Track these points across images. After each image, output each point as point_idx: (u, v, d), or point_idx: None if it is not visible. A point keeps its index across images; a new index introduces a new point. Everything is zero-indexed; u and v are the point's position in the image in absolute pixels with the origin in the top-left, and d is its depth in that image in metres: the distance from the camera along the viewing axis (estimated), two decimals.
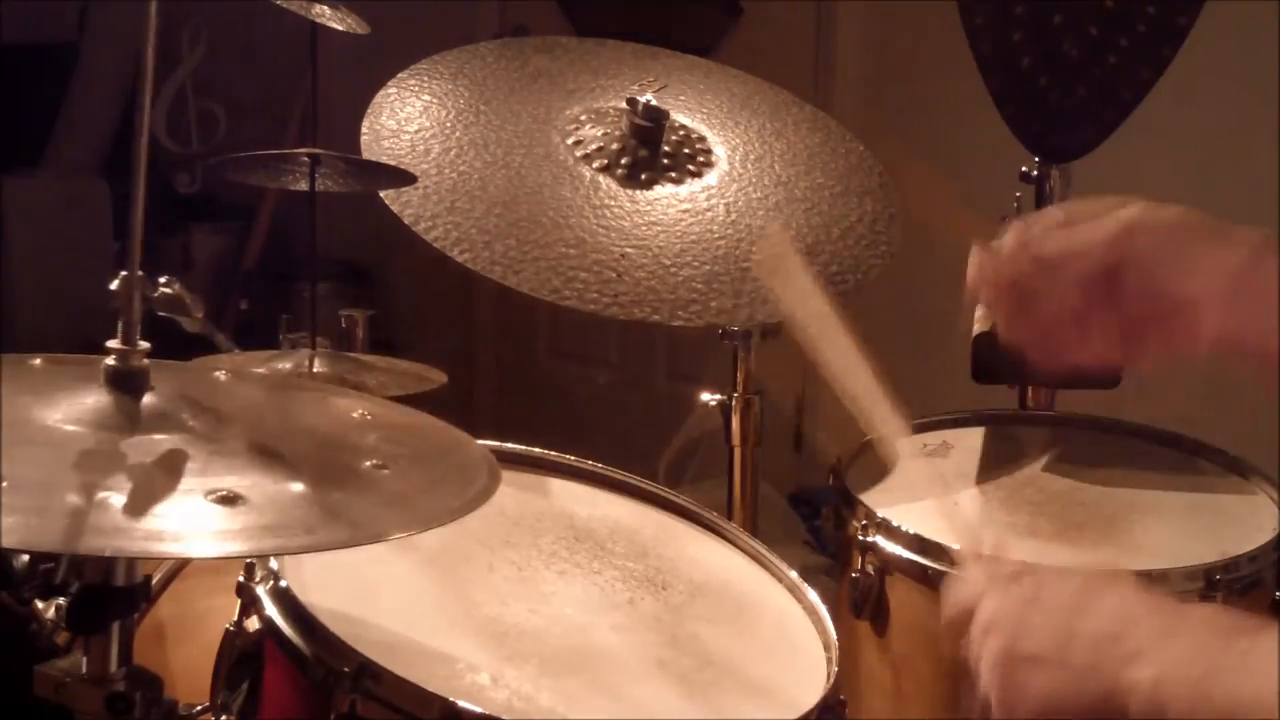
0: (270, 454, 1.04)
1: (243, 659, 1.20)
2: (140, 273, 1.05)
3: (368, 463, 1.07)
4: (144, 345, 1.06)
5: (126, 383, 1.05)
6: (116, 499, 0.93)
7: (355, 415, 1.19)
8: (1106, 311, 1.06)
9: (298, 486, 1.01)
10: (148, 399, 1.05)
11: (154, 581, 1.45)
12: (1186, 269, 1.03)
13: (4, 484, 0.90)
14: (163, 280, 1.08)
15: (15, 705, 1.12)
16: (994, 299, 1.12)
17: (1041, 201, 2.08)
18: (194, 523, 0.95)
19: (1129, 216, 1.06)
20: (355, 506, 1.01)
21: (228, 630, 1.22)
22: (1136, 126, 2.10)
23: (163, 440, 1.02)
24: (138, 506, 0.93)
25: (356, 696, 1.07)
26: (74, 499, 0.92)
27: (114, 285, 1.05)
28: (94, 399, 1.04)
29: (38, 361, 1.14)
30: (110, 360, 1.05)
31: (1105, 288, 1.05)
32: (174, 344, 1.24)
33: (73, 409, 1.03)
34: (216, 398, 1.14)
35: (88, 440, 1.00)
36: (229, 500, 0.96)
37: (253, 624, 1.19)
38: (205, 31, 4.71)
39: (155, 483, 0.96)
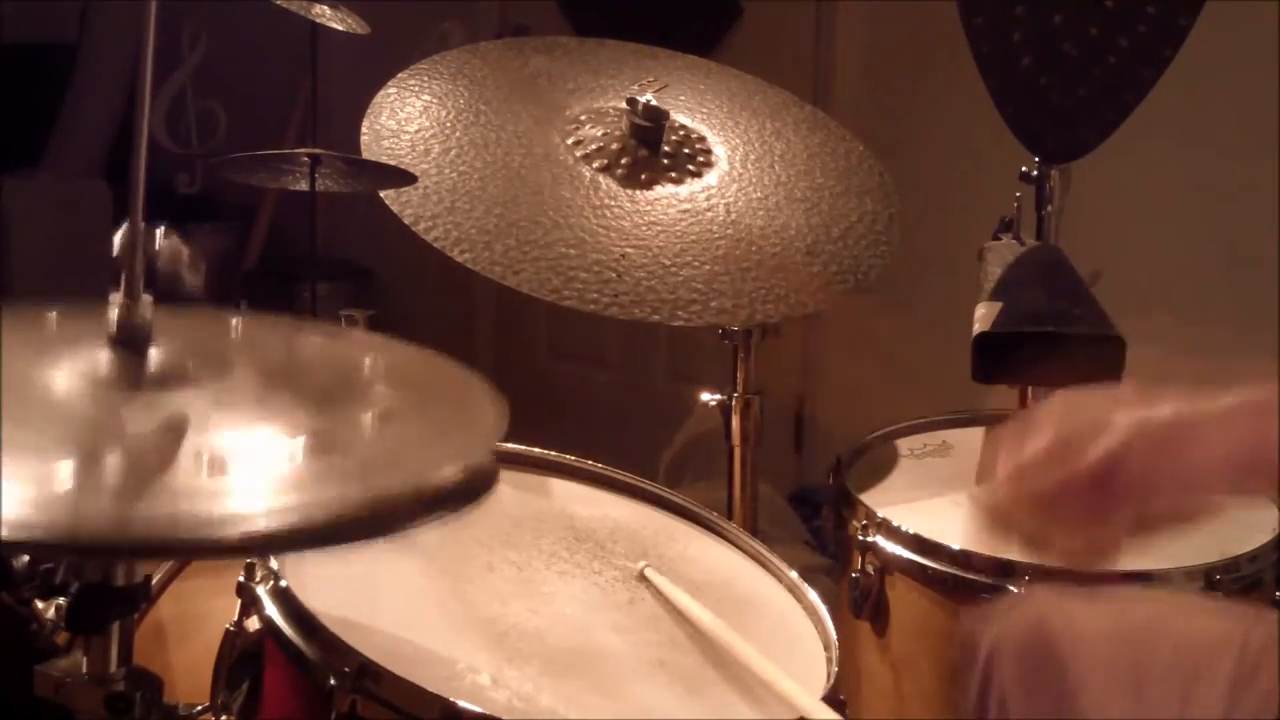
0: (275, 402, 1.01)
1: (243, 659, 1.20)
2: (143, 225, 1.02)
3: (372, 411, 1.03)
4: (147, 298, 1.02)
5: (130, 337, 1.02)
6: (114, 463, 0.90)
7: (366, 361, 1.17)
8: (1120, 505, 1.08)
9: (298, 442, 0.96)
10: (153, 353, 1.02)
11: (154, 581, 1.45)
12: (1186, 454, 1.05)
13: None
14: (161, 230, 1.06)
15: (15, 705, 1.12)
16: (1007, 534, 1.17)
17: (1041, 202, 2.08)
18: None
19: (1116, 440, 1.06)
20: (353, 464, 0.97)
21: (228, 630, 1.22)
22: (1136, 126, 2.10)
23: (167, 397, 0.97)
24: (135, 482, 0.90)
25: (357, 697, 1.07)
26: (71, 465, 0.89)
27: (117, 237, 1.02)
28: (96, 355, 0.99)
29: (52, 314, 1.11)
30: (113, 313, 1.01)
31: (1111, 486, 1.07)
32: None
33: (76, 365, 0.99)
34: (223, 345, 1.10)
35: (87, 400, 0.97)
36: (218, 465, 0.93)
37: (253, 624, 1.19)
38: (205, 31, 4.71)
39: (154, 449, 0.93)
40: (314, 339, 1.26)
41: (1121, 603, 1.30)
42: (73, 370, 0.99)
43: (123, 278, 1.00)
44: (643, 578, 1.34)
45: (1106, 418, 1.07)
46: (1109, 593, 1.36)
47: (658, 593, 1.32)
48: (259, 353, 1.12)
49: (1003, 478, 1.11)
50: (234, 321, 1.17)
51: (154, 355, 1.02)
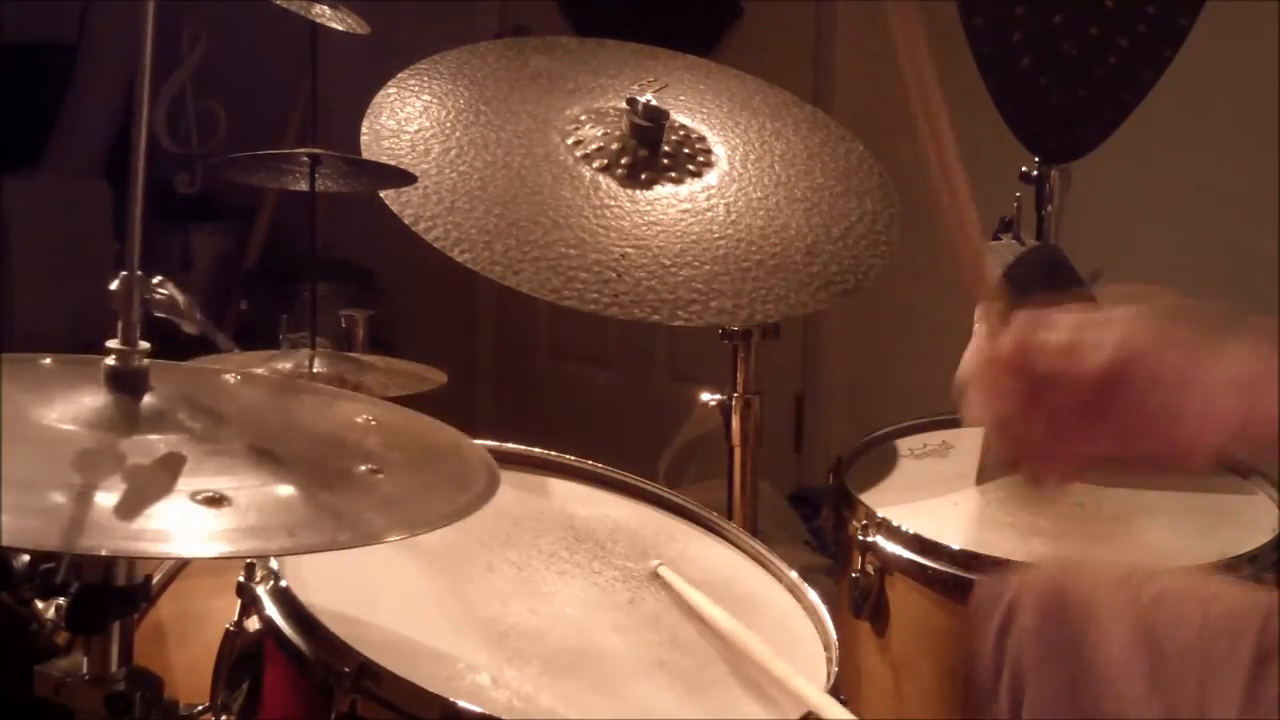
0: (265, 456, 1.04)
1: (243, 659, 1.20)
2: (139, 273, 1.05)
3: (363, 467, 1.07)
4: (144, 345, 1.06)
5: (126, 382, 1.05)
6: (107, 499, 0.93)
7: (359, 420, 1.19)
8: (1109, 420, 1.04)
9: (287, 489, 1.01)
10: (147, 399, 1.05)
11: (154, 582, 1.45)
12: (1190, 393, 1.01)
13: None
14: (157, 281, 1.08)
15: (15, 705, 1.13)
16: (987, 400, 1.09)
17: (1041, 202, 2.08)
18: (177, 523, 0.94)
19: (1134, 334, 1.03)
20: (344, 510, 1.01)
21: (228, 630, 1.22)
22: (1136, 126, 2.10)
23: (160, 441, 1.02)
24: (126, 507, 0.93)
25: (357, 697, 1.07)
26: (62, 498, 0.92)
27: (113, 285, 1.05)
28: (92, 399, 1.04)
29: (46, 361, 1.14)
30: (110, 360, 1.05)
31: (1108, 398, 1.03)
32: (175, 344, 1.24)
33: (70, 408, 1.03)
34: (219, 399, 1.14)
35: (85, 440, 1.00)
36: (215, 502, 0.96)
37: (253, 624, 1.19)
38: (205, 31, 4.71)
39: (147, 483, 0.96)
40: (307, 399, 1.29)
41: (1141, 575, 1.29)
42: (68, 413, 1.01)
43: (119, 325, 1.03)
44: (656, 576, 1.34)
45: (1122, 325, 1.03)
46: (1128, 566, 1.35)
47: (672, 591, 1.32)
48: (252, 412, 1.15)
49: (1010, 338, 1.06)
50: (229, 377, 1.21)
51: (148, 402, 1.05)
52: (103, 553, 0.94)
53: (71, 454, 0.98)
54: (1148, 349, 1.03)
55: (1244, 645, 1.16)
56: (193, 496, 0.96)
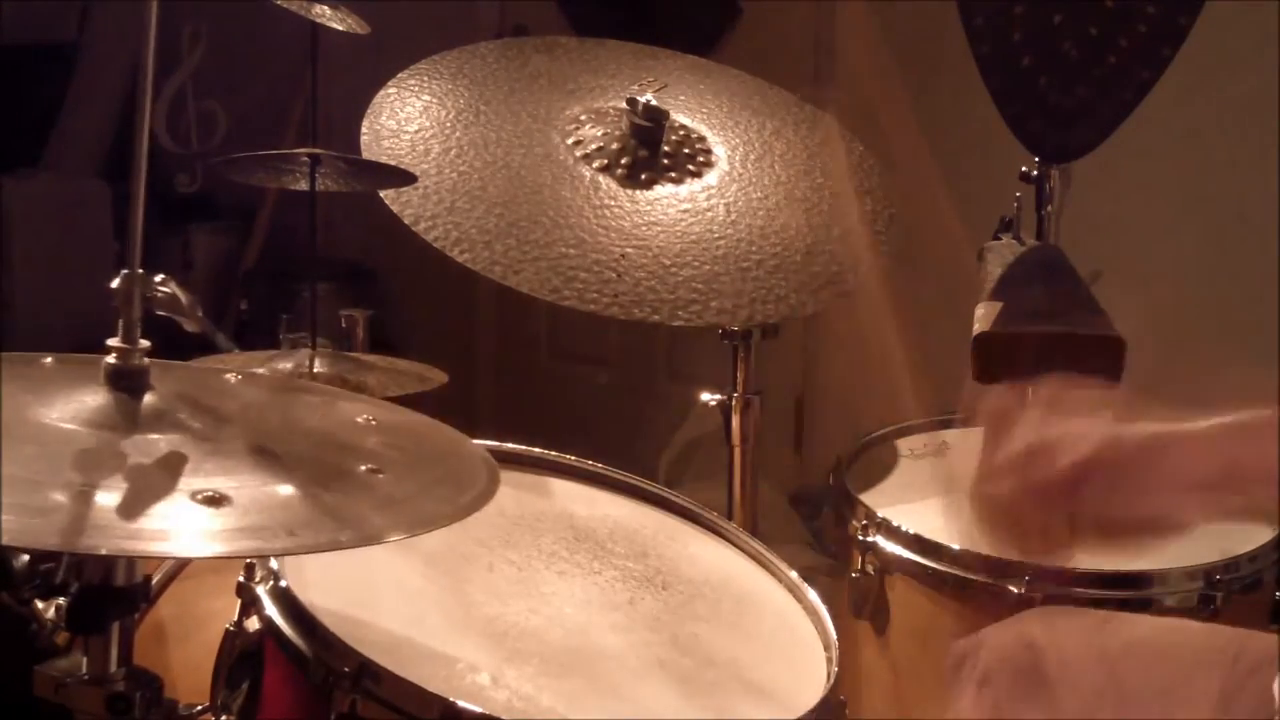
0: (266, 455, 1.04)
1: (243, 659, 1.20)
2: (140, 271, 1.05)
3: (363, 467, 1.07)
4: (144, 344, 1.06)
5: (126, 382, 1.05)
6: (108, 499, 0.93)
7: (359, 420, 1.19)
8: (1085, 514, 1.11)
9: (287, 489, 1.01)
10: (148, 398, 1.05)
11: (154, 582, 1.45)
12: (1150, 484, 1.08)
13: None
14: (159, 279, 1.08)
15: (15, 705, 1.12)
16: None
17: (1041, 202, 2.08)
18: (177, 522, 0.94)
19: (1085, 453, 1.09)
20: (344, 510, 1.01)
21: (228, 630, 1.22)
22: (1136, 126, 2.10)
23: (160, 440, 1.02)
24: (126, 507, 0.93)
25: (357, 696, 1.07)
26: (64, 497, 0.92)
27: (114, 284, 1.05)
28: (93, 398, 1.04)
29: (48, 360, 1.14)
30: (110, 359, 1.05)
31: (1077, 497, 1.10)
32: (174, 344, 1.24)
33: (71, 407, 1.03)
34: (218, 398, 1.14)
35: (85, 439, 1.00)
36: (214, 501, 0.96)
37: (253, 624, 1.19)
38: (205, 31, 4.71)
39: (147, 483, 0.96)
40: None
41: (1114, 624, 1.31)
42: (69, 412, 1.01)
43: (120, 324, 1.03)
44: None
45: (1081, 430, 1.10)
46: (1103, 615, 1.37)
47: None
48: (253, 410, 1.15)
49: (977, 476, 1.14)
50: (229, 376, 1.21)
51: (149, 401, 1.05)
52: (103, 552, 0.94)
53: (72, 453, 0.98)
54: (1101, 449, 1.09)
55: (1210, 686, 1.18)
56: (193, 496, 0.96)
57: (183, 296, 1.10)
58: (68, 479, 0.94)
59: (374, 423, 1.18)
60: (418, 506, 1.06)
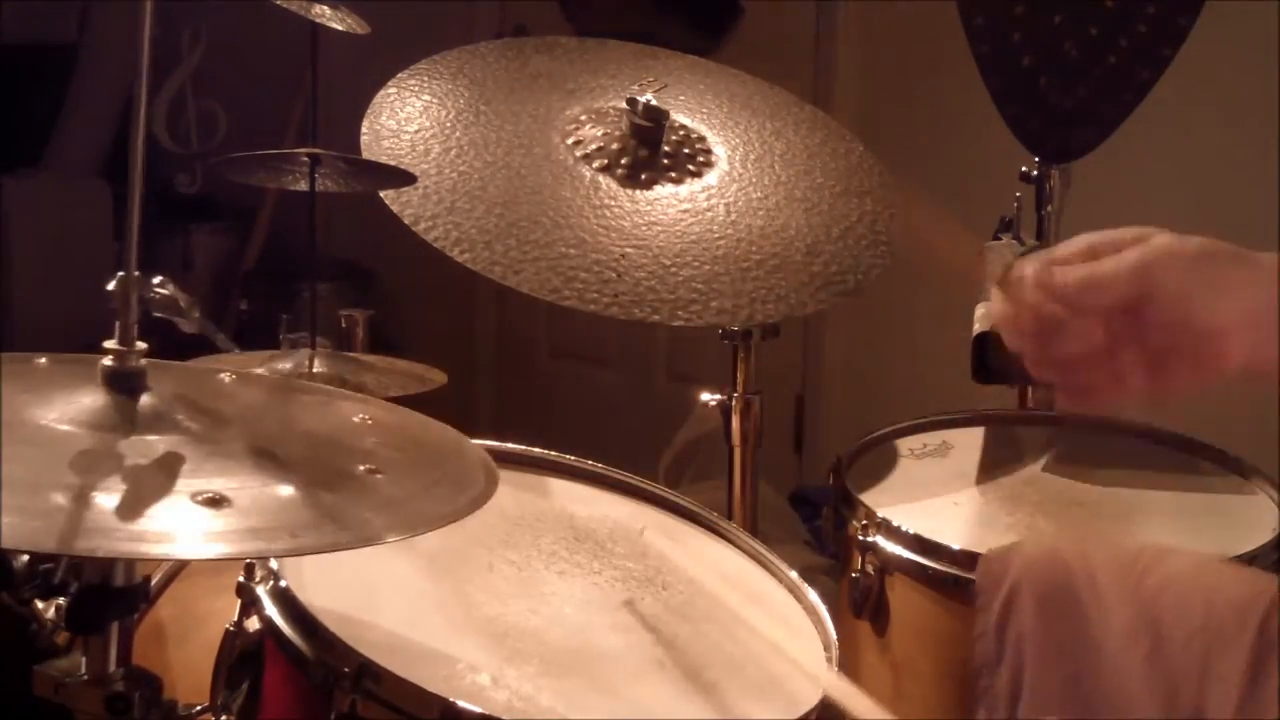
0: (265, 456, 1.04)
1: (243, 659, 1.20)
2: (137, 273, 1.05)
3: (362, 467, 1.07)
4: (141, 345, 1.06)
5: (123, 383, 1.05)
6: (107, 500, 0.93)
7: (356, 419, 1.19)
8: (1132, 344, 1.03)
9: (287, 490, 1.01)
10: (145, 399, 1.05)
11: (153, 582, 1.45)
12: (1212, 299, 1.01)
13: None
14: (157, 281, 1.08)
15: (15, 705, 1.12)
16: (1017, 336, 1.08)
17: (1041, 202, 2.08)
18: (179, 524, 0.94)
19: (1152, 248, 1.03)
20: (343, 510, 1.01)
21: (228, 630, 1.22)
22: (1136, 126, 2.10)
23: (158, 441, 1.02)
24: (127, 508, 0.93)
25: (356, 697, 1.07)
26: (62, 499, 0.92)
27: (111, 286, 1.05)
28: (91, 399, 1.04)
29: (42, 360, 1.14)
30: (107, 360, 1.05)
31: (1130, 321, 1.02)
32: (173, 344, 1.24)
33: (69, 409, 1.03)
34: (215, 399, 1.14)
35: (83, 440, 1.00)
36: (215, 502, 0.96)
37: (253, 624, 1.19)
38: (205, 31, 4.71)
39: (147, 484, 0.96)
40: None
41: (1146, 560, 1.29)
42: (67, 413, 1.01)
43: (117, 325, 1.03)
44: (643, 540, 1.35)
45: (1136, 250, 1.03)
46: (1137, 547, 1.34)
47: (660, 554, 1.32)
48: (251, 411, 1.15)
49: (1030, 271, 1.06)
50: (224, 376, 1.21)
51: (147, 402, 1.04)
52: (102, 555, 0.94)
53: (71, 455, 0.98)
54: (1163, 266, 1.02)
55: (1247, 633, 1.16)
56: (193, 497, 0.96)
57: (180, 298, 1.10)
58: (68, 481, 0.94)
59: (371, 422, 1.18)
60: (418, 507, 1.06)
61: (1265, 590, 1.21)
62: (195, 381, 1.18)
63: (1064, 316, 1.03)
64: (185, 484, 0.97)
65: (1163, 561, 1.29)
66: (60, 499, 0.92)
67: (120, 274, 1.05)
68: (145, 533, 0.92)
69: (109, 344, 1.05)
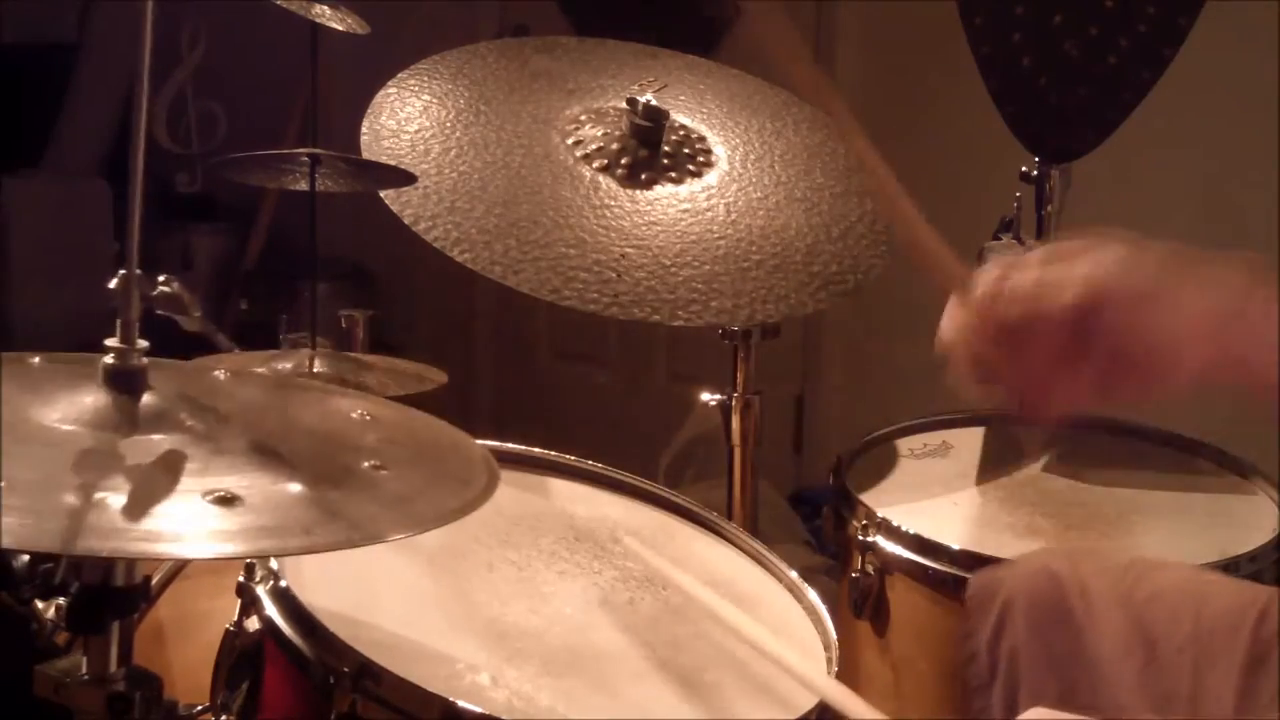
0: (269, 454, 1.04)
1: (243, 659, 1.20)
2: (139, 271, 1.05)
3: (366, 463, 1.07)
4: (142, 344, 1.05)
5: (125, 382, 1.05)
6: (114, 500, 0.93)
7: (355, 415, 1.19)
8: (1084, 354, 1.02)
9: (295, 487, 1.00)
10: (147, 398, 1.05)
11: (154, 582, 1.45)
12: (1162, 309, 1.00)
13: (2, 484, 0.90)
14: (161, 279, 1.08)
15: (15, 705, 1.12)
16: (970, 357, 1.09)
17: (1041, 202, 2.08)
18: (191, 523, 0.94)
19: (1101, 258, 1.02)
20: (353, 507, 1.01)
21: (228, 630, 1.22)
22: (1136, 126, 2.10)
23: (161, 440, 1.02)
24: (136, 507, 0.92)
25: (356, 696, 1.07)
26: (71, 499, 0.92)
27: (112, 284, 1.04)
28: (92, 398, 1.04)
29: (36, 360, 1.14)
30: (108, 359, 1.05)
31: (1081, 330, 1.02)
32: (173, 344, 1.24)
33: (71, 408, 1.03)
34: (216, 397, 1.13)
35: (86, 440, 1.00)
36: (226, 501, 0.95)
37: (253, 624, 1.19)
38: (205, 31, 4.71)
39: (154, 483, 0.96)
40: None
41: (1137, 571, 1.29)
42: (70, 412, 1.01)
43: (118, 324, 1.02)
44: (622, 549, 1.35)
45: (1089, 258, 1.02)
46: (1126, 559, 1.34)
47: (640, 561, 1.33)
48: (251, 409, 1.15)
49: (977, 301, 1.06)
50: (219, 374, 1.21)
51: (150, 401, 1.04)
52: (112, 555, 0.93)
53: (75, 454, 0.98)
54: (1115, 276, 1.02)
55: (1239, 643, 1.16)
56: (205, 496, 0.95)
57: (185, 295, 1.10)
58: (74, 481, 0.94)
59: (370, 418, 1.18)
60: (426, 502, 1.05)
61: (1255, 600, 1.21)
62: (197, 380, 1.18)
63: (1018, 325, 1.03)
64: (195, 483, 0.97)
65: (1153, 573, 1.29)
66: (68, 499, 0.91)
67: (122, 272, 1.05)
68: (158, 533, 0.92)
69: (110, 342, 1.05)
